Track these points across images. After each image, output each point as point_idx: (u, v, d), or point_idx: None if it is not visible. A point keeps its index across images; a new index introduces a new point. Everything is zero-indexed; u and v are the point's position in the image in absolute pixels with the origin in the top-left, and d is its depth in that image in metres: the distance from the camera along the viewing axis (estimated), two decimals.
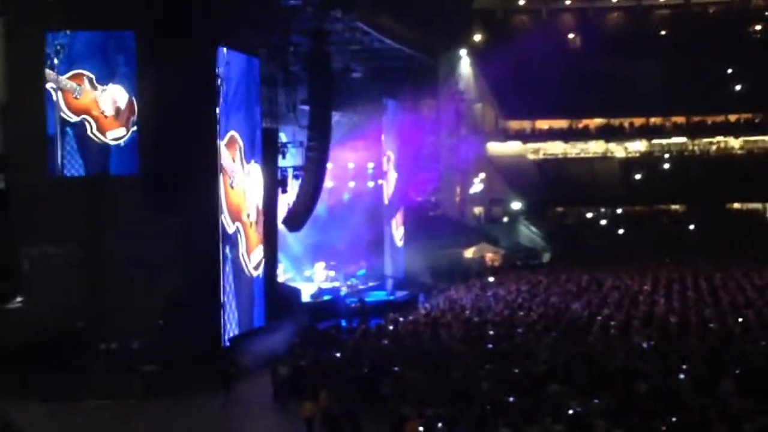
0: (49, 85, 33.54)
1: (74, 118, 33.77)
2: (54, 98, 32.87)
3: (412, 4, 61.92)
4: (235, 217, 41.47)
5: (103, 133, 35.62)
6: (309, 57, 48.96)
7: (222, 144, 39.12)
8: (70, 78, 33.14)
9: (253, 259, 42.90)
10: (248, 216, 42.88)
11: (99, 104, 33.50)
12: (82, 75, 33.10)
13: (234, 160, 40.52)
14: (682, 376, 31.31)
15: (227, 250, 40.32)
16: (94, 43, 32.91)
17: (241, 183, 41.88)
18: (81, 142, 34.22)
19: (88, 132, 33.78)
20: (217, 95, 39.64)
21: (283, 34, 48.23)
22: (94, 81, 33.88)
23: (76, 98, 32.66)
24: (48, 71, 32.11)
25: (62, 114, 32.92)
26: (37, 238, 38.76)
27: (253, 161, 43.23)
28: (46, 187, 38.62)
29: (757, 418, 25.12)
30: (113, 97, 33.03)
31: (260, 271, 43.67)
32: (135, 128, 33.62)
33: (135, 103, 33.31)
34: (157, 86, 38.11)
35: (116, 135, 34.68)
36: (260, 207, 44.32)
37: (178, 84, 37.91)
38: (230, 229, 40.65)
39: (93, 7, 38.35)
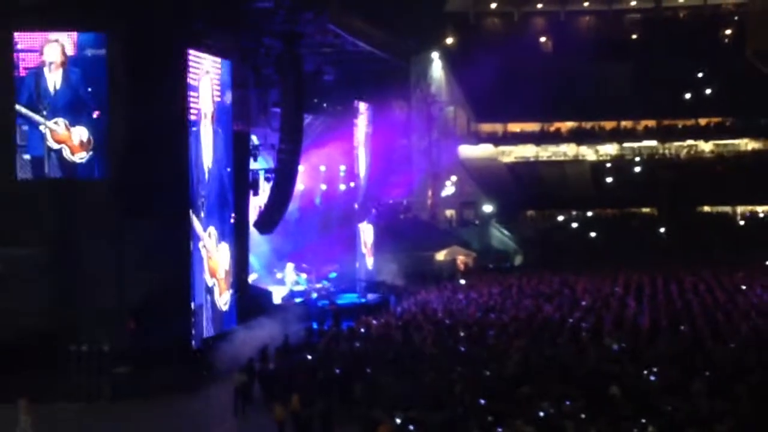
0: (41, 127, 37.51)
1: (56, 146, 37.58)
2: (43, 131, 37.50)
3: (383, 6, 61.96)
4: (212, 274, 41.90)
5: (73, 155, 38.05)
6: (280, 59, 48.86)
7: (205, 235, 40.87)
8: (53, 123, 37.19)
9: (222, 299, 42.95)
10: (222, 275, 43.08)
11: (72, 138, 37.49)
12: (60, 120, 37.22)
13: (212, 246, 41.80)
14: (652, 378, 31.41)
15: (199, 246, 40.41)
16: (67, 93, 37.25)
17: (215, 256, 42.25)
18: (60, 160, 37.75)
19: (64, 155, 37.67)
20: (186, 97, 39.51)
21: (255, 36, 48.15)
22: (68, 125, 37.56)
23: (57, 133, 37.32)
24: (39, 117, 37.13)
25: (47, 143, 37.34)
26: (6, 241, 38.55)
27: (223, 242, 43.16)
28: (14, 190, 38.46)
29: (727, 419, 25.21)
30: (80, 134, 37.41)
31: (228, 306, 43.71)
32: (92, 152, 37.84)
33: (92, 138, 37.79)
34: (128, 89, 38.25)
35: (81, 156, 37.97)
36: (228, 270, 43.95)
37: (149, 85, 37.94)
38: (209, 282, 41.36)
39: (64, 10, 38.34)
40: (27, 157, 37.96)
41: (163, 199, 38.55)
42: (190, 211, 39.54)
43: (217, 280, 42.21)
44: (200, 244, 40.54)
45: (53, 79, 37.59)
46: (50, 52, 37.43)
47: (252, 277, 54.48)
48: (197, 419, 33.44)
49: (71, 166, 38.09)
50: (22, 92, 37.75)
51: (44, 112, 37.24)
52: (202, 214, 40.86)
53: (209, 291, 41.37)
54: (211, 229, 41.65)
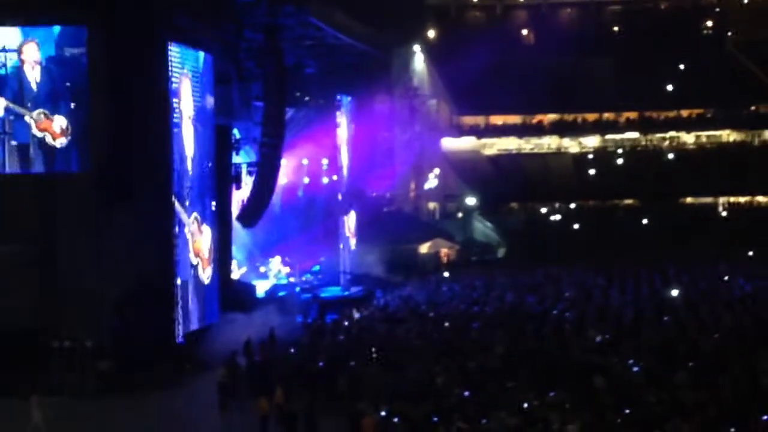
0: (26, 118, 38.69)
1: (40, 134, 38.70)
2: (28, 121, 38.66)
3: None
4: (196, 254, 42.69)
5: (54, 140, 39.03)
6: (262, 53, 48.77)
7: (189, 220, 41.78)
8: (36, 114, 38.49)
9: (205, 273, 43.58)
10: (206, 254, 43.76)
11: (53, 126, 38.75)
12: (42, 110, 38.44)
13: (195, 229, 42.60)
14: (636, 369, 31.49)
15: (185, 231, 41.04)
16: (47, 87, 38.77)
17: (199, 238, 42.93)
18: (43, 146, 38.94)
19: (47, 140, 38.85)
20: (168, 90, 39.49)
21: (236, 30, 48.04)
22: (48, 114, 38.74)
23: (40, 123, 38.51)
24: (24, 110, 38.39)
25: (32, 131, 38.58)
26: None
27: (205, 224, 43.70)
28: None
29: (710, 409, 25.30)
30: (59, 122, 38.75)
31: (210, 280, 44.23)
32: (70, 138, 39.01)
33: (70, 126, 38.97)
34: (108, 84, 38.17)
35: (62, 141, 39.02)
36: (210, 248, 44.60)
37: (130, 81, 37.91)
38: (194, 261, 42.31)
39: (44, 3, 38.28)
40: (14, 143, 39.32)
41: (146, 192, 38.51)
42: (174, 198, 39.93)
43: (201, 259, 43.14)
44: (186, 229, 41.21)
45: (33, 76, 38.87)
46: (29, 51, 38.76)
47: (241, 272, 54.56)
48: (182, 414, 33.37)
49: (53, 151, 39.05)
50: (6, 89, 38.89)
51: (28, 105, 38.66)
52: (187, 203, 41.34)
53: (194, 267, 42.36)
54: (195, 215, 42.47)
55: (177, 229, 40.22)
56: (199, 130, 42.79)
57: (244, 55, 49.30)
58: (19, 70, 38.74)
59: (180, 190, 40.67)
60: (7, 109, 38.82)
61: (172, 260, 39.90)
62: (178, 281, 40.22)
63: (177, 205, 40.24)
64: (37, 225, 38.71)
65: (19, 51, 38.84)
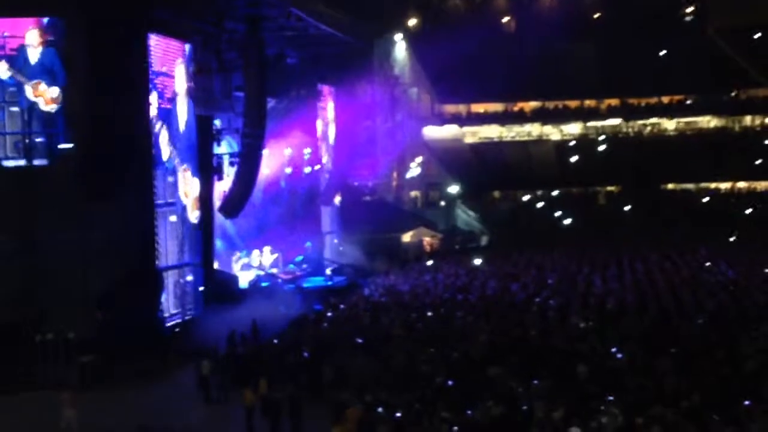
0: (25, 86, 39.68)
1: (35, 99, 39.50)
2: (26, 87, 39.55)
3: None
4: (186, 196, 44.66)
5: (47, 105, 39.82)
6: (243, 43, 48.66)
7: (181, 168, 44.29)
8: (34, 84, 39.42)
9: (193, 215, 45.73)
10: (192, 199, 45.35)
11: (46, 93, 39.59)
12: (39, 82, 39.45)
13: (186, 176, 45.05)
14: (619, 356, 31.55)
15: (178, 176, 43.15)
16: (44, 65, 39.89)
17: (189, 183, 44.82)
18: (36, 111, 40.02)
19: (40, 106, 39.81)
20: (147, 82, 39.49)
21: (217, 20, 47.93)
22: (44, 84, 39.59)
23: (37, 89, 39.50)
24: (24, 78, 39.53)
25: (29, 97, 39.69)
26: None
27: (195, 177, 45.61)
28: None
29: (693, 396, 25.37)
30: (51, 92, 39.66)
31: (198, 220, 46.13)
32: (60, 106, 39.99)
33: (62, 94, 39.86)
34: (88, 76, 38.21)
35: (52, 107, 39.85)
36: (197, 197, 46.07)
37: (109, 72, 37.91)
38: (184, 201, 44.75)
39: None
40: (15, 109, 40.47)
41: (127, 183, 38.50)
42: (170, 151, 42.50)
43: (190, 201, 45.08)
44: (179, 176, 44.30)
45: (33, 55, 40.00)
46: (30, 36, 39.99)
47: (242, 261, 54.89)
48: (166, 406, 33.24)
49: (47, 116, 39.96)
50: (14, 63, 39.82)
51: (26, 76, 39.85)
52: (178, 160, 43.57)
53: (184, 209, 44.19)
54: (185, 166, 44.68)
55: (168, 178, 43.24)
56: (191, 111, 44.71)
57: (225, 45, 49.16)
58: (23, 49, 39.98)
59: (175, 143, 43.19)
60: (11, 78, 40.04)
61: (154, 252, 39.89)
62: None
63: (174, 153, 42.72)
64: (18, 217, 38.62)
65: (23, 36, 40.05)
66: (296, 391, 29.79)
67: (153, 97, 41.39)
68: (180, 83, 44.47)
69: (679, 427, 22.94)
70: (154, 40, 41.56)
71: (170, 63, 43.60)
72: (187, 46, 44.94)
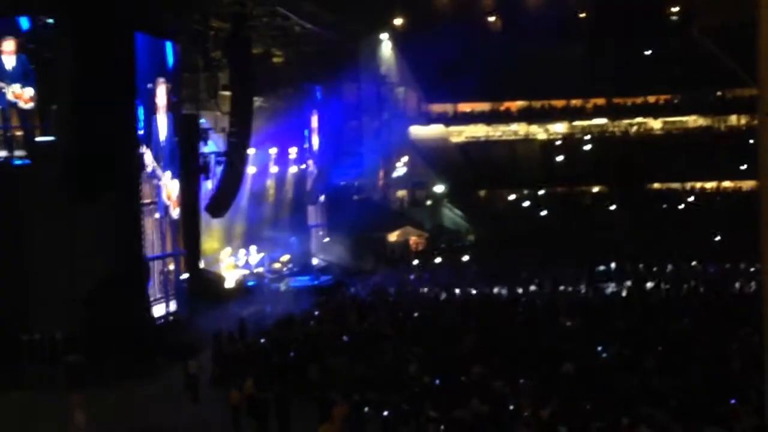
0: (4, 90, 39.51)
1: (14, 100, 39.43)
2: (5, 91, 39.46)
3: None
4: (168, 198, 44.01)
5: (25, 105, 39.75)
6: (229, 42, 48.63)
7: (164, 175, 43.66)
8: (13, 87, 39.48)
9: (175, 212, 45.44)
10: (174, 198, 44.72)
11: (23, 95, 39.60)
12: (17, 85, 39.35)
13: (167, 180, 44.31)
14: (605, 355, 31.61)
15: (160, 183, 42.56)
16: (21, 70, 39.87)
17: (171, 187, 44.26)
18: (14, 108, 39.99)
19: (19, 105, 39.80)
20: (134, 80, 39.45)
21: (203, 19, 47.88)
22: (19, 86, 39.40)
23: (15, 92, 39.53)
24: (3, 84, 39.40)
25: (8, 98, 39.52)
26: None
27: (175, 179, 44.90)
28: None
29: (679, 394, 25.42)
30: (29, 92, 39.75)
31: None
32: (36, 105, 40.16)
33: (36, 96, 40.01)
34: (74, 74, 38.15)
35: (30, 105, 39.93)
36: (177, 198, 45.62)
37: (95, 70, 37.75)
38: (166, 202, 44.01)
39: None
40: None
41: (112, 182, 38.41)
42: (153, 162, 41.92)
43: (172, 201, 44.59)
44: (161, 182, 43.37)
45: (9, 62, 39.76)
46: (6, 45, 39.63)
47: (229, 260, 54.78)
48: (153, 406, 33.20)
49: (26, 113, 39.87)
50: None
51: (6, 80, 39.71)
52: (161, 165, 42.99)
53: (166, 208, 43.81)
54: (169, 173, 44.21)
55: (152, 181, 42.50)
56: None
57: (211, 44, 49.13)
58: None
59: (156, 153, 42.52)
60: None
61: (141, 250, 39.81)
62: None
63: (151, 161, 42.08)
64: (3, 215, 38.51)
65: None
66: (283, 391, 29.78)
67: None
68: (161, 99, 43.58)
69: (665, 427, 22.98)
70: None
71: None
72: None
